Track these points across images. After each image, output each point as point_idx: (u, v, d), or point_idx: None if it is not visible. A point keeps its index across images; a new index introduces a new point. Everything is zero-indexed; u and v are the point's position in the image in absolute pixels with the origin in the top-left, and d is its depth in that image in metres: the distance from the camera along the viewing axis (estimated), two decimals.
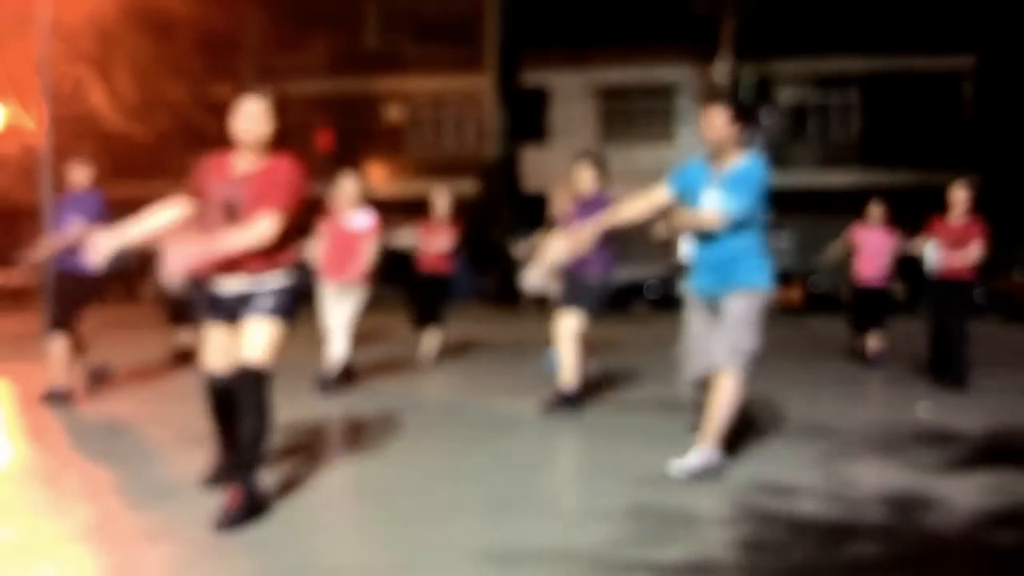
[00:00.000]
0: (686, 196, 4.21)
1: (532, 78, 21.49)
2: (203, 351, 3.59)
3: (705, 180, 4.15)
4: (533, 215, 21.92)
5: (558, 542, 3.10)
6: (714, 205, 4.05)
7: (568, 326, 5.61)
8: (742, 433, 4.69)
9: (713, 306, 4.14)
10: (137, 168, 18.32)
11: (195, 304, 8.04)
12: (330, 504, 3.56)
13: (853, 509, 3.51)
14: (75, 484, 3.93)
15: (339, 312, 6.62)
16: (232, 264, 3.41)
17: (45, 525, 3.30)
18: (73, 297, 6.00)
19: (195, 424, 5.29)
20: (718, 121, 4.06)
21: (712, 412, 4.04)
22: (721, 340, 4.01)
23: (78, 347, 6.16)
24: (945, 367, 6.92)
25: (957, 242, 6.89)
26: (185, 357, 8.04)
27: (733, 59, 20.13)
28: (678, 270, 20.01)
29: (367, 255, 6.58)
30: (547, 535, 3.18)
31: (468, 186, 20.13)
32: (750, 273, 4.06)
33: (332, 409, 5.74)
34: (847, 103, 21.95)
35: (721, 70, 20.34)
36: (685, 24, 20.62)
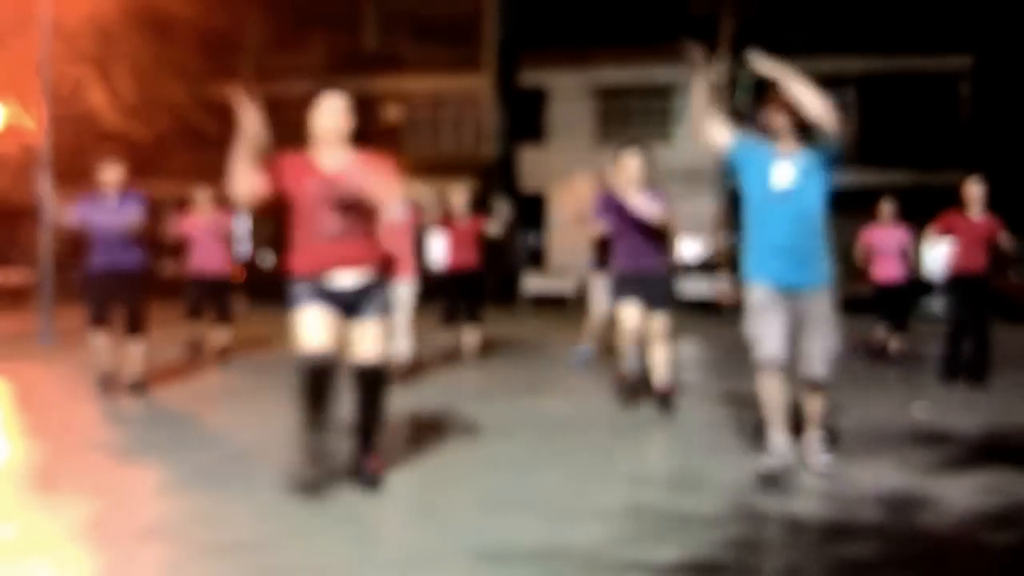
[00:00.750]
0: (746, 159, 4.10)
1: (530, 78, 21.51)
2: (302, 333, 3.59)
3: (771, 155, 4.05)
4: (531, 215, 22.00)
5: (553, 541, 3.10)
6: (788, 176, 4.00)
7: (660, 329, 5.57)
8: (738, 433, 4.69)
9: (791, 296, 4.01)
10: (136, 168, 18.31)
11: (199, 297, 8.11)
12: (324, 502, 3.55)
13: (849, 509, 3.51)
14: (72, 482, 3.92)
15: (400, 309, 6.73)
16: (353, 258, 3.58)
17: (42, 523, 3.30)
18: (137, 294, 6.16)
19: (196, 423, 5.30)
20: (789, 104, 3.96)
21: (813, 411, 4.13)
22: (816, 349, 3.99)
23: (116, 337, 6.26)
24: (962, 366, 6.94)
25: (978, 239, 6.86)
26: (198, 351, 8.07)
27: (731, 59, 20.13)
28: (675, 269, 20.02)
29: (406, 248, 6.60)
30: (542, 534, 3.18)
31: (467, 185, 20.12)
32: (826, 266, 4.05)
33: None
34: (844, 103, 21.93)
35: (719, 70, 20.33)
36: (683, 24, 20.61)
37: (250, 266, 20.20)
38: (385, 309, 3.73)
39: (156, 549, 3.01)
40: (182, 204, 8.27)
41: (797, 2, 20.36)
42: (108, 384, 6.20)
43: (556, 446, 4.72)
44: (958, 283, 7.01)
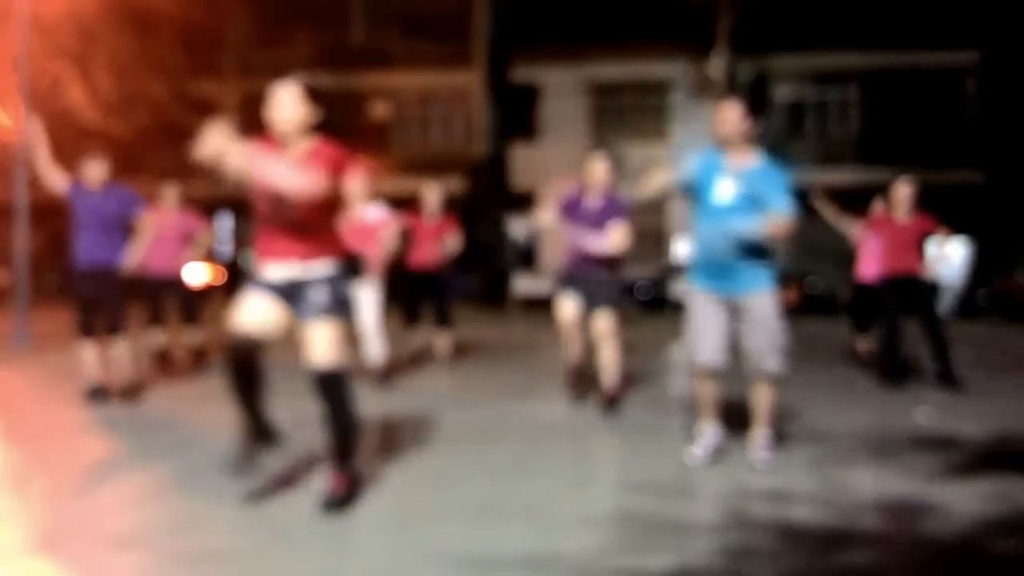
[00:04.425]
0: (701, 184, 4.21)
1: (522, 74, 21.34)
2: (237, 313, 3.44)
3: (719, 169, 4.17)
4: (522, 214, 21.85)
5: (543, 549, 3.01)
6: (728, 193, 4.12)
7: (604, 327, 5.60)
8: (731, 439, 4.58)
9: (728, 304, 4.18)
10: (116, 166, 18.07)
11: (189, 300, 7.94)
12: (307, 509, 3.45)
13: (848, 516, 3.43)
14: (43, 489, 3.81)
15: (366, 311, 6.59)
16: (282, 249, 3.43)
17: (11, 532, 3.19)
18: (121, 294, 5.94)
19: (171, 429, 5.18)
20: (732, 116, 4.10)
21: (762, 409, 4.28)
22: (763, 343, 4.14)
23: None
24: (904, 369, 6.90)
25: (904, 241, 6.86)
26: (201, 357, 7.83)
27: (729, 55, 19.99)
28: (669, 271, 19.90)
29: (385, 245, 6.69)
30: (531, 542, 3.09)
31: (456, 184, 19.95)
32: (764, 275, 4.18)
33: (311, 412, 5.57)
34: (846, 100, 21.71)
35: (717, 66, 20.20)
36: (680, 19, 20.46)
37: (232, 267, 19.99)
38: (334, 309, 3.45)
39: (131, 558, 2.91)
40: (148, 199, 7.99)
41: None
42: (98, 393, 5.91)
43: (545, 452, 4.61)
44: (889, 285, 6.96)
